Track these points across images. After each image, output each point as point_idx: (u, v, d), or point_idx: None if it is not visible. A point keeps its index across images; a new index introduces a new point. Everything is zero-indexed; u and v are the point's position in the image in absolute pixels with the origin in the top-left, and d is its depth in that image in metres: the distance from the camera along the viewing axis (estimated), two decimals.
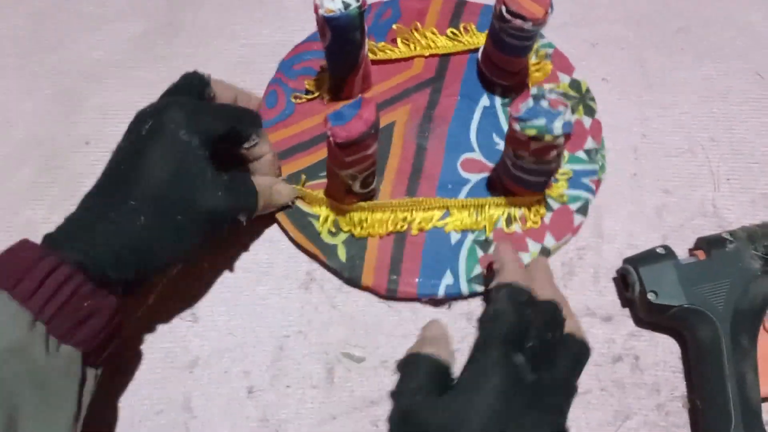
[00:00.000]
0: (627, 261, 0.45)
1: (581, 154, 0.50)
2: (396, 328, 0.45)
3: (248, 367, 0.44)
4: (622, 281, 0.45)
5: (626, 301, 0.46)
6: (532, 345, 0.34)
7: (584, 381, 0.43)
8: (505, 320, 0.34)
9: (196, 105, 0.41)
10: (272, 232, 0.48)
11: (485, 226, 0.46)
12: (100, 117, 0.53)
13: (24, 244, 0.36)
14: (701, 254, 0.44)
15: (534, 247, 0.46)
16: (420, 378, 0.34)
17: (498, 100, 0.51)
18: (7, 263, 0.34)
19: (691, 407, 0.43)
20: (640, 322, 0.45)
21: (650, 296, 0.42)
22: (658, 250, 0.44)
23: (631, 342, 0.45)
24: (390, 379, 0.44)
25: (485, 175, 0.48)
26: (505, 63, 0.49)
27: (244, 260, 0.47)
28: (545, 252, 0.46)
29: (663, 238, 0.48)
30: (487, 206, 0.47)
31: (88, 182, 0.49)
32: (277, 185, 0.46)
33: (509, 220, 0.47)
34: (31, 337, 0.33)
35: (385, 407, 0.43)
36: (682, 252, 0.46)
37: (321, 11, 0.42)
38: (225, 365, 0.44)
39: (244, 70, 0.54)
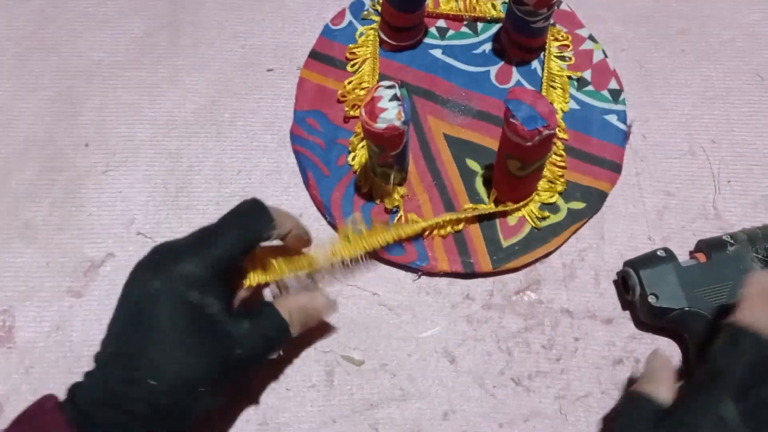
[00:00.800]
0: (627, 263, 0.45)
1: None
2: (396, 331, 0.45)
3: None
4: (622, 284, 0.45)
5: (626, 304, 0.46)
6: (755, 400, 0.32)
7: (585, 384, 0.43)
8: (738, 375, 0.33)
9: (206, 242, 0.38)
10: None
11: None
12: (101, 118, 0.53)
13: (43, 409, 0.34)
14: (702, 257, 0.44)
15: None
16: (635, 422, 0.35)
17: None
18: (28, 426, 0.33)
19: None
20: (640, 324, 0.45)
21: (651, 299, 0.42)
22: (658, 252, 0.44)
23: (632, 344, 0.45)
24: (390, 382, 0.43)
25: None
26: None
27: None
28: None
29: (664, 240, 0.48)
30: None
31: (88, 184, 0.50)
32: (311, 303, 0.41)
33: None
34: None
35: (385, 410, 0.43)
36: (683, 255, 0.46)
37: None
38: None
39: (245, 71, 0.54)
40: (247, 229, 0.38)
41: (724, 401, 0.32)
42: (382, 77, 0.53)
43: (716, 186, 0.50)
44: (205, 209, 0.49)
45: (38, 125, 0.53)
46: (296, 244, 0.42)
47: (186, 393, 0.35)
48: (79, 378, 0.36)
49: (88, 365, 0.36)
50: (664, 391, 0.35)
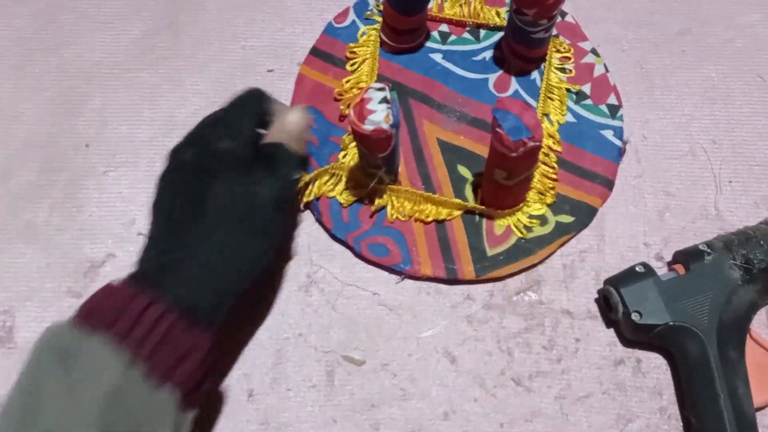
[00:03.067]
0: (607, 282, 0.44)
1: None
2: (397, 331, 0.45)
3: (248, 370, 0.44)
4: (604, 302, 0.45)
5: (610, 322, 0.45)
6: None
7: (586, 384, 0.43)
8: None
9: (231, 121, 0.42)
10: None
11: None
12: (101, 119, 0.53)
13: (111, 286, 0.35)
14: (680, 268, 0.44)
15: None
16: None
17: None
18: (100, 302, 0.34)
19: (685, 424, 0.42)
20: (626, 342, 0.44)
21: (634, 317, 0.42)
22: (637, 268, 0.43)
23: (633, 345, 0.44)
24: (390, 382, 0.43)
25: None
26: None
27: None
28: None
29: (665, 241, 0.48)
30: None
31: (88, 184, 0.50)
32: (283, 118, 0.44)
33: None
34: (129, 379, 0.31)
35: (386, 410, 0.43)
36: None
37: None
38: (225, 368, 0.44)
39: (245, 72, 0.54)
40: (258, 107, 0.43)
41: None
42: (381, 78, 0.53)
43: (717, 186, 0.50)
44: None
45: (38, 126, 0.53)
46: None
47: (243, 244, 0.38)
48: None
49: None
50: None
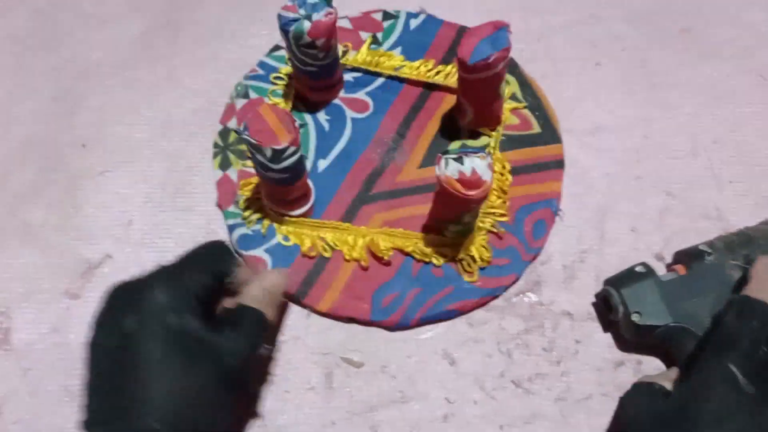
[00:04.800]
0: (607, 282, 0.44)
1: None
2: (395, 333, 0.45)
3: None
4: (603, 304, 0.44)
5: (607, 325, 0.45)
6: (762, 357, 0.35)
7: (586, 386, 0.43)
8: (746, 337, 0.35)
9: (172, 274, 0.36)
10: None
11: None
12: (99, 118, 0.53)
13: None
14: (681, 269, 0.43)
15: None
16: (643, 392, 0.38)
17: None
18: None
19: None
20: (623, 346, 0.44)
21: (635, 317, 0.41)
22: (637, 268, 0.43)
23: (631, 349, 0.44)
24: (389, 384, 0.43)
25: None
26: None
27: None
28: None
29: (665, 241, 0.47)
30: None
31: (86, 184, 0.50)
32: (264, 283, 0.39)
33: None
34: None
35: (385, 412, 0.42)
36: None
37: None
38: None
39: (243, 71, 0.54)
40: (213, 263, 0.38)
41: (734, 360, 0.34)
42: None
43: (718, 186, 0.49)
44: (204, 210, 0.49)
45: (36, 125, 0.52)
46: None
47: (192, 423, 0.33)
48: (76, 380, 0.35)
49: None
50: (667, 382, 0.38)
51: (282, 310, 0.42)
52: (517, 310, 0.45)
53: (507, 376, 0.44)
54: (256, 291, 0.39)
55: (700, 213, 0.48)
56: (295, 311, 0.46)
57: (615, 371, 0.44)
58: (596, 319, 0.45)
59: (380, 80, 0.53)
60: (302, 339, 0.45)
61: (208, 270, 0.37)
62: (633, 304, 0.42)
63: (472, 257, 0.45)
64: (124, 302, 0.35)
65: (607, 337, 0.45)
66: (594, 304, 0.45)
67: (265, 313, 0.38)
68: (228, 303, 0.39)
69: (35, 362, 0.44)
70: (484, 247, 0.46)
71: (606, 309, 0.44)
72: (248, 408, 0.42)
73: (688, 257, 0.43)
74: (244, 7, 0.58)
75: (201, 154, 0.51)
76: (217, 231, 0.48)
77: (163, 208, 0.49)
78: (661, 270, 0.44)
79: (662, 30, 0.56)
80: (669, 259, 0.46)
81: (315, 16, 0.43)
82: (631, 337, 0.43)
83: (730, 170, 0.50)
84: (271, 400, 0.43)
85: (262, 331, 0.38)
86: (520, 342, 0.45)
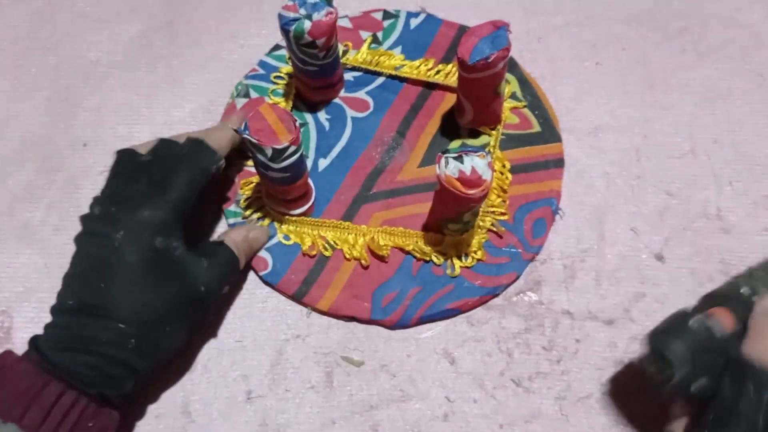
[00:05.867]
0: (659, 335, 0.36)
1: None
2: (395, 332, 0.45)
3: (247, 371, 0.44)
4: (654, 358, 0.36)
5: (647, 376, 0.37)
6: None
7: (586, 385, 0.43)
8: (743, 414, 0.32)
9: (160, 186, 0.39)
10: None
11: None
12: (98, 118, 0.52)
13: (17, 366, 0.35)
14: (725, 315, 0.36)
15: None
16: None
17: None
18: (9, 387, 0.34)
19: None
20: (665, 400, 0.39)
21: (701, 382, 0.35)
22: (691, 324, 0.36)
23: (634, 345, 0.44)
24: (390, 383, 0.43)
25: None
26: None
27: None
28: None
29: (666, 241, 0.47)
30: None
31: (85, 184, 0.50)
32: (250, 234, 0.45)
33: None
34: None
35: (385, 411, 0.42)
36: (679, 258, 0.45)
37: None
38: (224, 369, 0.44)
39: (242, 71, 0.54)
40: (196, 169, 0.41)
41: None
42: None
43: (718, 186, 0.49)
44: (204, 210, 0.49)
45: (35, 125, 0.52)
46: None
47: (154, 332, 0.37)
48: None
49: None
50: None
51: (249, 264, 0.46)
52: (517, 309, 0.46)
53: (507, 375, 0.44)
54: (239, 238, 0.43)
55: (700, 213, 0.49)
56: (295, 311, 0.46)
57: (615, 370, 0.44)
58: (596, 319, 0.45)
59: (380, 79, 0.53)
60: (302, 338, 0.45)
61: (192, 178, 0.40)
62: (699, 368, 0.34)
63: (464, 255, 0.46)
64: (115, 215, 0.38)
65: (607, 337, 0.45)
66: (642, 358, 0.38)
67: (239, 260, 0.42)
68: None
69: None
70: (479, 249, 0.46)
71: (654, 364, 0.36)
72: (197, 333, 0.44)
73: (729, 301, 0.37)
74: (244, 7, 0.58)
75: None
76: (217, 231, 0.48)
77: None
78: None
79: (662, 30, 0.56)
80: (669, 258, 0.47)
81: (315, 16, 0.43)
82: (673, 397, 0.37)
83: (730, 170, 0.50)
84: (271, 398, 0.43)
85: (232, 274, 0.43)
86: (520, 341, 0.45)
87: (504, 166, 0.49)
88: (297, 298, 0.45)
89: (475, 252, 0.46)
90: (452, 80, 0.52)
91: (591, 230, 0.48)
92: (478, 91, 0.47)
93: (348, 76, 0.53)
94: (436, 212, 0.45)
